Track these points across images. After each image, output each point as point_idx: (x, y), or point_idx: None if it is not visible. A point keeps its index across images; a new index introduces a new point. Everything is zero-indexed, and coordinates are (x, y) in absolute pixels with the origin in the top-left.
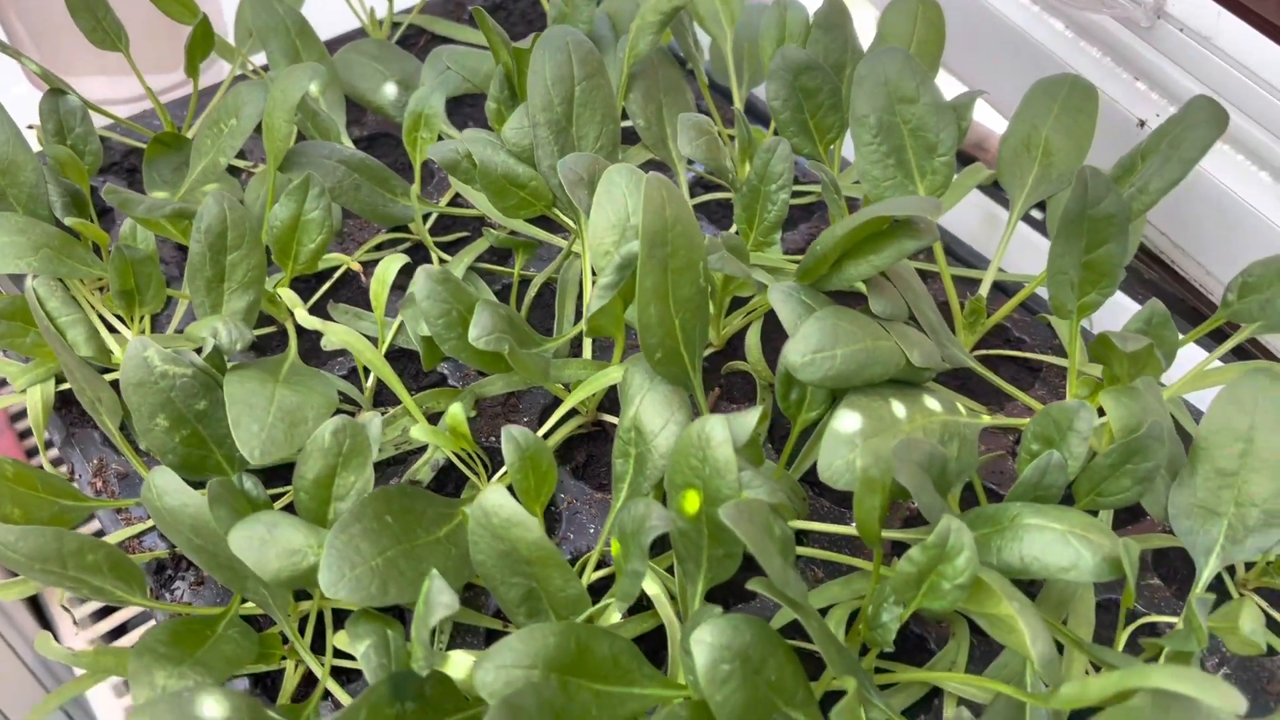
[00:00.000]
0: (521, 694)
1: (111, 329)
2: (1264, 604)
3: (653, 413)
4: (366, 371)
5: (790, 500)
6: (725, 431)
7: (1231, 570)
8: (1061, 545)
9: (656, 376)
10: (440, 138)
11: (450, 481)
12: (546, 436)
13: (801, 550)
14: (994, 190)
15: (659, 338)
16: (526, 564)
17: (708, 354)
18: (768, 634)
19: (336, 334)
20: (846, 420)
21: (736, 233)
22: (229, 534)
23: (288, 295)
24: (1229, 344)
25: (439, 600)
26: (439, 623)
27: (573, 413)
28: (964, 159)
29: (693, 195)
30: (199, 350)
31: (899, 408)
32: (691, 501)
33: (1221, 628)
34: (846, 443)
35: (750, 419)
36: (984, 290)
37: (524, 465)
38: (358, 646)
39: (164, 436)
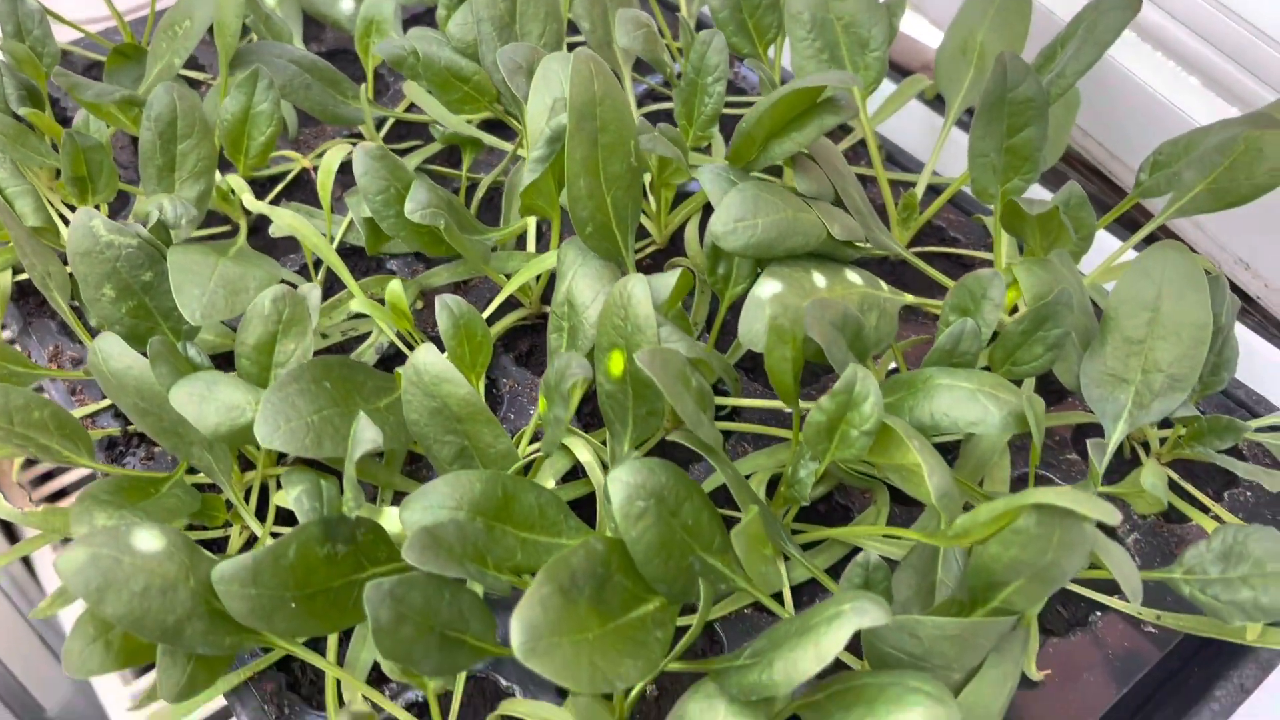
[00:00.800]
0: (444, 526)
1: (66, 221)
2: (1175, 475)
3: (584, 286)
4: (317, 267)
5: (712, 362)
6: (645, 289)
7: (1146, 447)
8: (970, 402)
9: (589, 253)
10: None
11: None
12: (491, 325)
13: (733, 426)
14: (938, 103)
15: (589, 211)
16: (457, 421)
17: (651, 251)
18: (684, 480)
19: (284, 219)
20: (767, 286)
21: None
22: (170, 391)
23: (236, 182)
24: (1144, 231)
25: (365, 436)
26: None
27: (518, 305)
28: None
29: (641, 105)
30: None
31: (819, 278)
32: (616, 362)
33: (1129, 492)
34: (766, 307)
35: (670, 278)
36: (919, 190)
37: (458, 333)
38: (291, 493)
39: (110, 307)
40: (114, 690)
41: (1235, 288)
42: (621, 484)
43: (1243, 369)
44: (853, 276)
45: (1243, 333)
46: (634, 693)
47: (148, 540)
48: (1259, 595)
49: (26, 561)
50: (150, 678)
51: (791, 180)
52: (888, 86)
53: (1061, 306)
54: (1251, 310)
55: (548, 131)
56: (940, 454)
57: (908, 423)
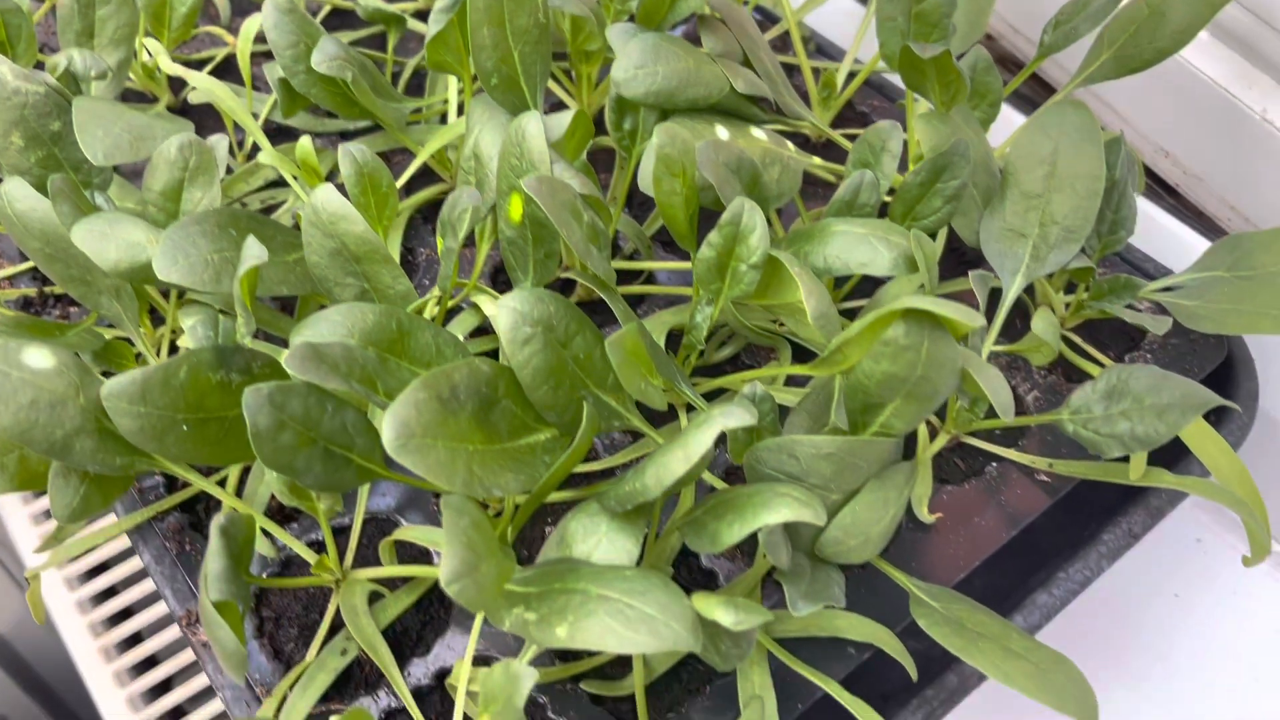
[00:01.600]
0: (331, 345)
1: None
2: (1079, 339)
3: (490, 139)
4: (240, 146)
5: (625, 229)
6: (539, 124)
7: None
8: (861, 244)
9: (497, 107)
10: None
11: None
12: (408, 195)
13: (646, 289)
14: None
15: (494, 62)
16: (356, 261)
17: None
18: (578, 316)
19: (202, 82)
20: (671, 129)
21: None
22: (72, 230)
23: (153, 45)
24: (1055, 98)
25: (251, 253)
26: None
27: (438, 179)
28: None
29: None
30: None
31: (722, 131)
32: (516, 206)
33: (1027, 348)
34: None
35: (565, 117)
36: (841, 73)
37: (361, 180)
38: (187, 321)
39: (19, 156)
40: (65, 607)
41: (1156, 176)
42: (509, 310)
43: (1154, 246)
44: (758, 133)
45: (1158, 213)
46: (521, 514)
47: (37, 358)
48: (1135, 426)
49: None
50: (96, 587)
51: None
52: None
53: (958, 157)
54: (1170, 196)
55: None
56: None
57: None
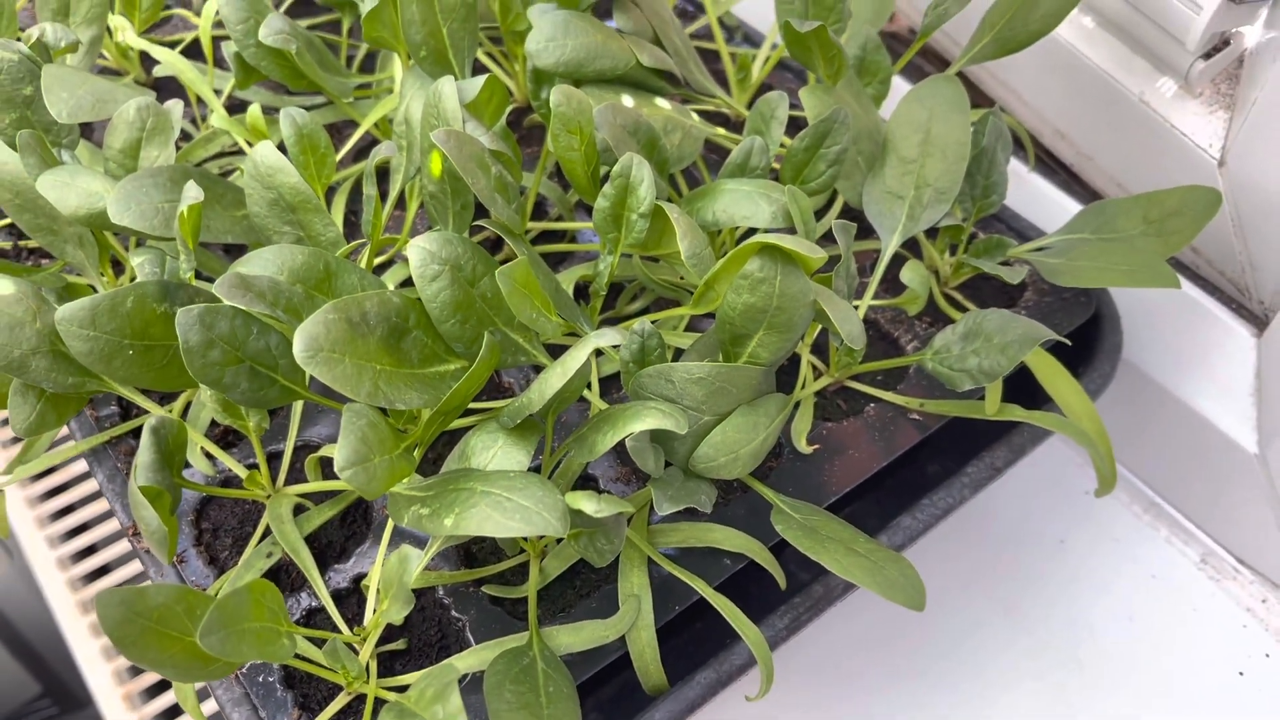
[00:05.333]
0: (259, 277)
1: None
2: (962, 297)
3: (418, 106)
4: (204, 120)
5: (548, 192)
6: (452, 86)
7: (939, 276)
8: (746, 201)
9: (427, 78)
10: None
11: None
12: (353, 164)
13: (567, 247)
14: None
15: (423, 36)
16: (291, 210)
17: (512, 109)
18: (488, 260)
19: (166, 56)
20: (567, 89)
21: None
22: (37, 179)
23: (119, 22)
24: (954, 67)
25: (189, 194)
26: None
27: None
28: None
29: None
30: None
31: (628, 99)
32: (435, 163)
33: (904, 301)
34: None
35: (477, 81)
36: (759, 57)
37: (300, 140)
38: (136, 259)
39: None
40: (50, 572)
41: (1054, 155)
42: (418, 249)
43: (1042, 215)
44: (662, 103)
45: (1048, 187)
46: (427, 430)
47: None
48: (982, 360)
49: None
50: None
51: None
52: None
53: (838, 124)
54: (1065, 173)
55: None
56: None
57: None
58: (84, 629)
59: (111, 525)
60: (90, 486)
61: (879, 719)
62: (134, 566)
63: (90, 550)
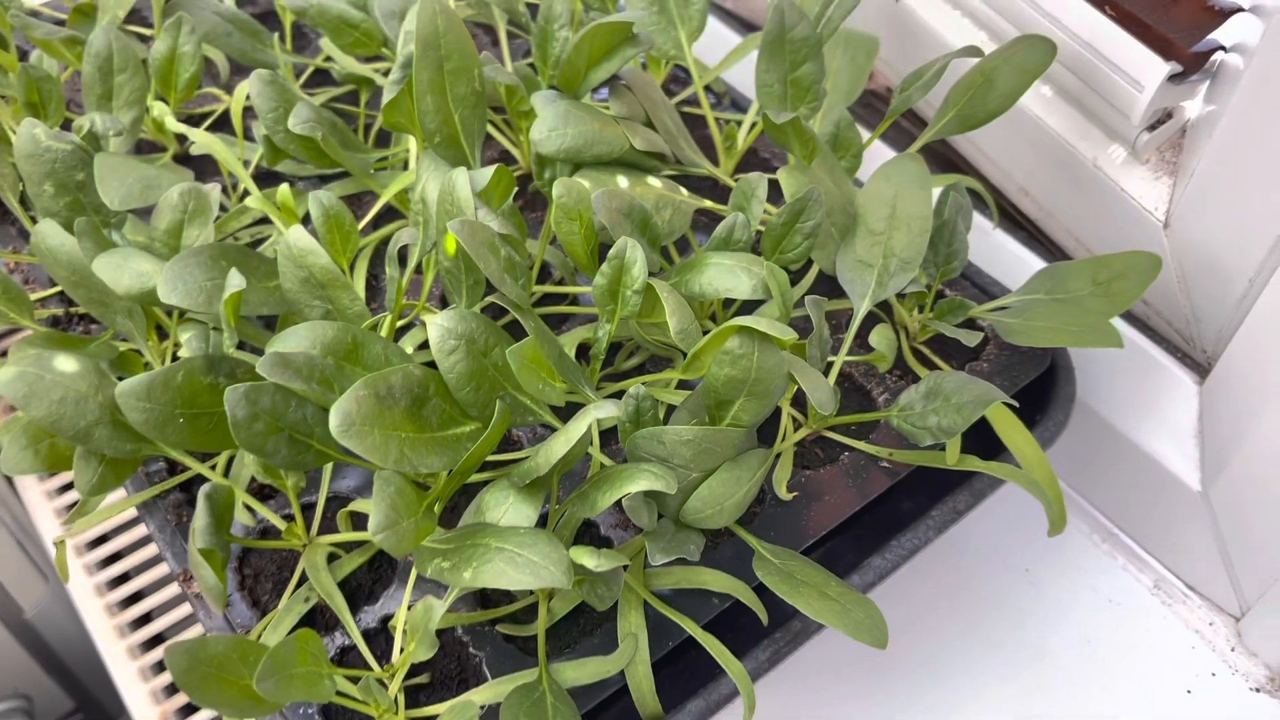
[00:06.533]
0: (295, 355)
1: None
2: (929, 351)
3: (433, 188)
4: (235, 189)
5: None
6: (465, 178)
7: (909, 333)
8: (729, 274)
9: (441, 161)
10: None
11: None
12: (374, 230)
13: (568, 309)
14: None
15: (437, 124)
16: (321, 287)
17: (518, 175)
18: (497, 331)
19: (201, 138)
20: (569, 182)
21: (533, 69)
22: (93, 262)
23: (160, 108)
24: (914, 146)
25: (233, 281)
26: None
27: (400, 215)
28: None
29: (525, 58)
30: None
31: (623, 180)
32: (450, 242)
33: (874, 358)
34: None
35: (488, 171)
36: (744, 126)
37: (327, 221)
38: (184, 335)
39: (50, 201)
40: (86, 594)
41: (1020, 211)
42: (436, 327)
43: (1006, 271)
44: (654, 181)
45: (1012, 243)
46: (446, 488)
47: (65, 363)
48: (940, 419)
49: (9, 480)
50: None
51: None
52: (734, 39)
53: (812, 202)
54: (1030, 228)
55: (400, 58)
56: None
57: (685, 296)
58: (121, 652)
59: (145, 553)
60: (124, 516)
61: None
62: (167, 592)
63: (125, 578)
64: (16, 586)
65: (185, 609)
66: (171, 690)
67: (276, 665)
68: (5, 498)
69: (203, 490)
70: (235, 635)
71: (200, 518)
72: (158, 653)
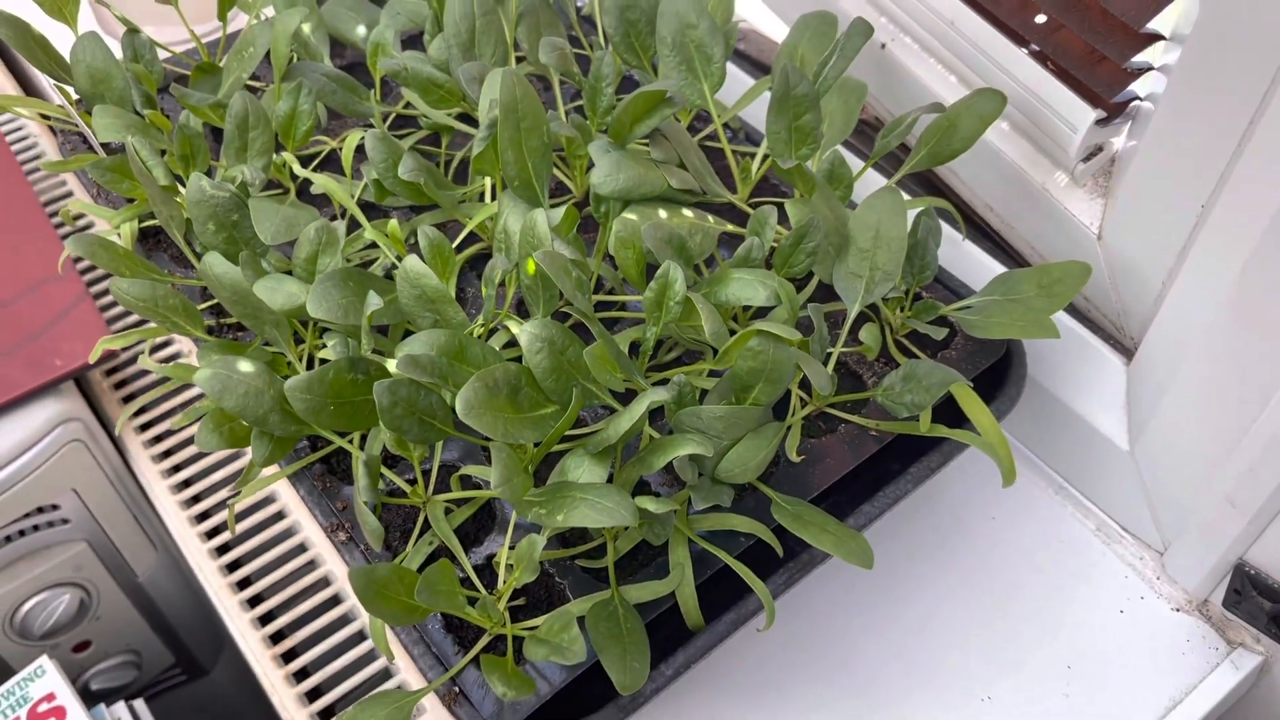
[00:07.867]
0: (420, 356)
1: (179, 181)
2: (910, 344)
3: (514, 220)
4: (344, 215)
5: (603, 273)
6: (544, 217)
7: (892, 329)
8: (749, 286)
9: (517, 199)
10: None
11: None
12: (460, 252)
13: (619, 314)
14: None
15: (515, 171)
16: (431, 303)
17: (571, 200)
18: (570, 335)
19: (319, 179)
20: (625, 219)
21: (581, 113)
22: (254, 285)
23: (288, 157)
24: (896, 177)
25: (372, 301)
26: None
27: (480, 239)
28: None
29: (572, 101)
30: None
31: (663, 213)
32: (530, 266)
33: (863, 349)
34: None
35: (560, 211)
36: (757, 159)
37: (432, 250)
38: (330, 341)
39: (212, 237)
40: (196, 552)
41: (986, 224)
42: (527, 334)
43: (973, 275)
44: (688, 212)
45: (979, 253)
46: (537, 455)
47: (246, 365)
48: (914, 397)
49: (121, 453)
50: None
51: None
52: (748, 81)
53: (813, 228)
54: (995, 239)
55: (486, 120)
56: None
57: (710, 303)
58: (235, 605)
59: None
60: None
61: (857, 661)
62: (265, 558)
63: (227, 547)
64: (131, 554)
65: (281, 571)
66: (278, 638)
67: (428, 583)
68: (123, 477)
69: (361, 459)
70: (394, 564)
71: (360, 479)
72: (263, 607)
